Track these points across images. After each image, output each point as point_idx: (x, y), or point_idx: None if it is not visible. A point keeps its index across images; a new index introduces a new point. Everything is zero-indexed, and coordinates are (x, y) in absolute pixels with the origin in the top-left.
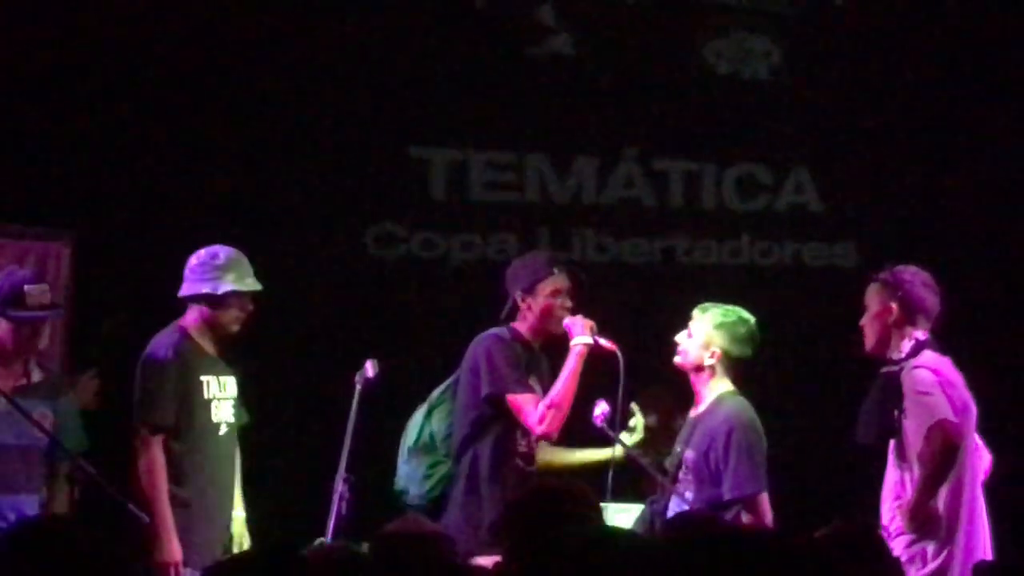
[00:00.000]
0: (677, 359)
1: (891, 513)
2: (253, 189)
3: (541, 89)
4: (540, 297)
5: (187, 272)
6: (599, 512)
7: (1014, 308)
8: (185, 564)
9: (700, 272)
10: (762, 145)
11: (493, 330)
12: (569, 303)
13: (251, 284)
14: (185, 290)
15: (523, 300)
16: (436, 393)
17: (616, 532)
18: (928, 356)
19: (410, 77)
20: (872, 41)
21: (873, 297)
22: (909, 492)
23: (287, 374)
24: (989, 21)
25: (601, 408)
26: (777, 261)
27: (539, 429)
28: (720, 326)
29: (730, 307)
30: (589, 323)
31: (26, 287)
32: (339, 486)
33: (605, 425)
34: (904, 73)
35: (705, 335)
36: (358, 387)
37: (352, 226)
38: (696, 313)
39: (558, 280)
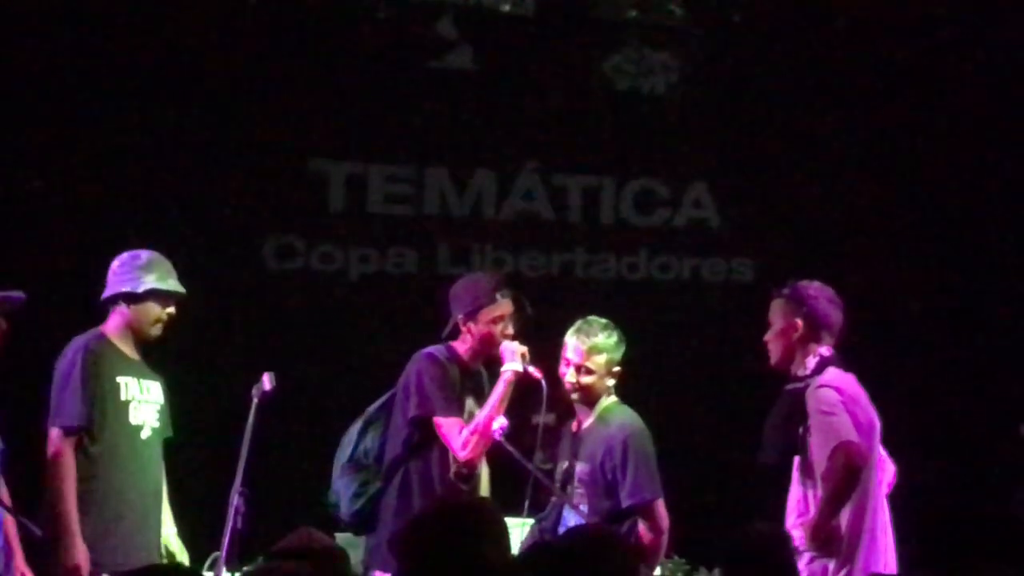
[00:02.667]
0: (575, 396)
1: (797, 531)
2: (150, 201)
3: (441, 102)
4: (481, 323)
5: (109, 275)
6: (502, 531)
7: (910, 320)
8: (101, 567)
9: (598, 287)
10: (661, 160)
11: (430, 348)
12: (510, 329)
13: (173, 285)
14: (106, 292)
15: (464, 323)
16: (372, 409)
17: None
18: (832, 373)
19: (309, 89)
20: (770, 56)
21: (777, 313)
22: (812, 510)
23: (184, 387)
24: (880, 33)
25: (499, 422)
26: (676, 276)
27: (462, 455)
28: (595, 347)
29: (585, 322)
30: (522, 349)
31: None
32: (235, 500)
33: (503, 440)
34: (801, 87)
35: (593, 361)
36: (255, 400)
37: (250, 239)
38: (569, 340)
39: (501, 306)
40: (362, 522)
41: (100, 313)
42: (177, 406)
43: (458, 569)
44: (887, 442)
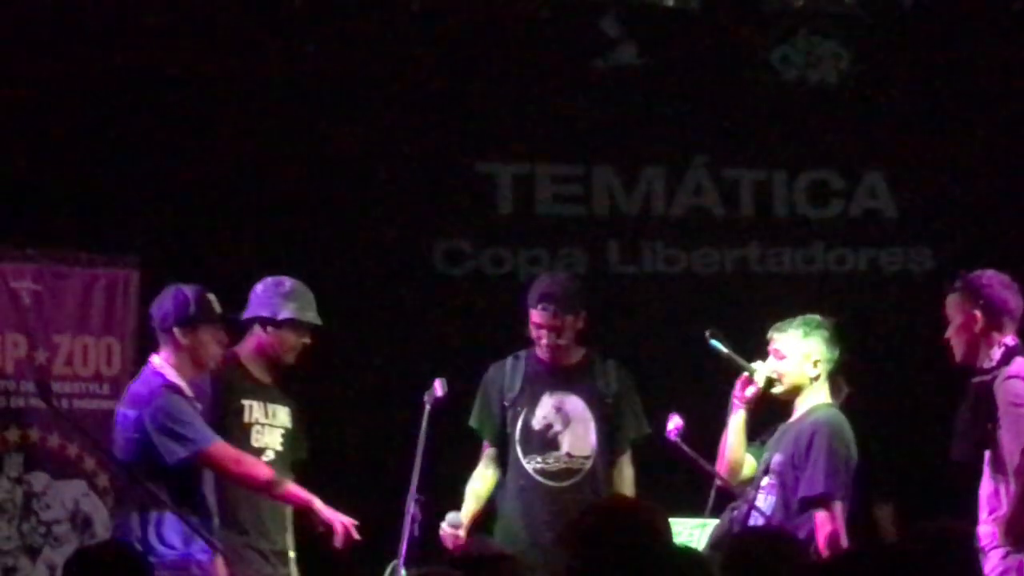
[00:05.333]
0: (777, 389)
1: (987, 526)
2: (319, 210)
3: (607, 100)
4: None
5: (251, 297)
6: (666, 531)
7: None
8: None
9: (773, 281)
10: (833, 150)
11: None
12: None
13: (311, 317)
14: (246, 313)
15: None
16: None
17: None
18: (1020, 363)
19: (476, 91)
20: (942, 41)
21: (954, 308)
22: (1005, 505)
23: (356, 395)
24: None
25: (675, 422)
26: (852, 268)
27: None
28: (809, 334)
29: (802, 316)
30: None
31: (208, 294)
32: (411, 507)
33: (679, 440)
34: (975, 71)
35: (800, 350)
36: (427, 406)
37: (419, 244)
38: (775, 335)
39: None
40: None
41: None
42: (352, 415)
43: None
44: None
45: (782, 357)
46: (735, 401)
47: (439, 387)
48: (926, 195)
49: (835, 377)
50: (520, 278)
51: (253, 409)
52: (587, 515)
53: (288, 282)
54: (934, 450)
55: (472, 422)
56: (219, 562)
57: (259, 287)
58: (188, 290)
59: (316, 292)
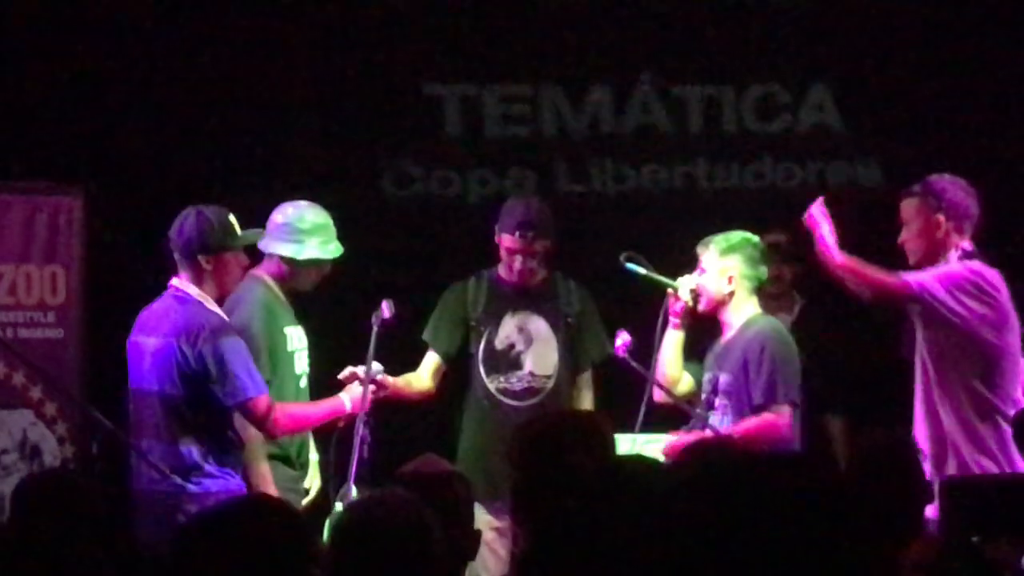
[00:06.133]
0: (701, 306)
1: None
2: (266, 134)
3: (552, 19)
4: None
5: (271, 226)
6: (611, 442)
7: None
8: None
9: (722, 196)
10: (780, 65)
11: None
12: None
13: (334, 251)
14: (266, 245)
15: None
16: None
17: (623, 461)
18: (978, 264)
19: (421, 13)
20: None
21: (913, 212)
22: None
23: (304, 318)
24: None
25: (623, 338)
26: (801, 182)
27: None
28: (728, 250)
29: (731, 232)
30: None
31: (231, 216)
32: (360, 430)
33: (628, 356)
34: None
35: (718, 266)
36: (375, 328)
37: (367, 167)
38: (700, 249)
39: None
40: None
41: None
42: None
43: (554, 476)
44: None
45: (703, 272)
46: (669, 318)
47: (386, 309)
48: (872, 109)
49: (788, 291)
50: (469, 200)
51: (292, 336)
52: (530, 427)
53: (309, 215)
54: (885, 363)
55: (425, 335)
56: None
57: (278, 216)
58: (211, 213)
59: (264, 217)
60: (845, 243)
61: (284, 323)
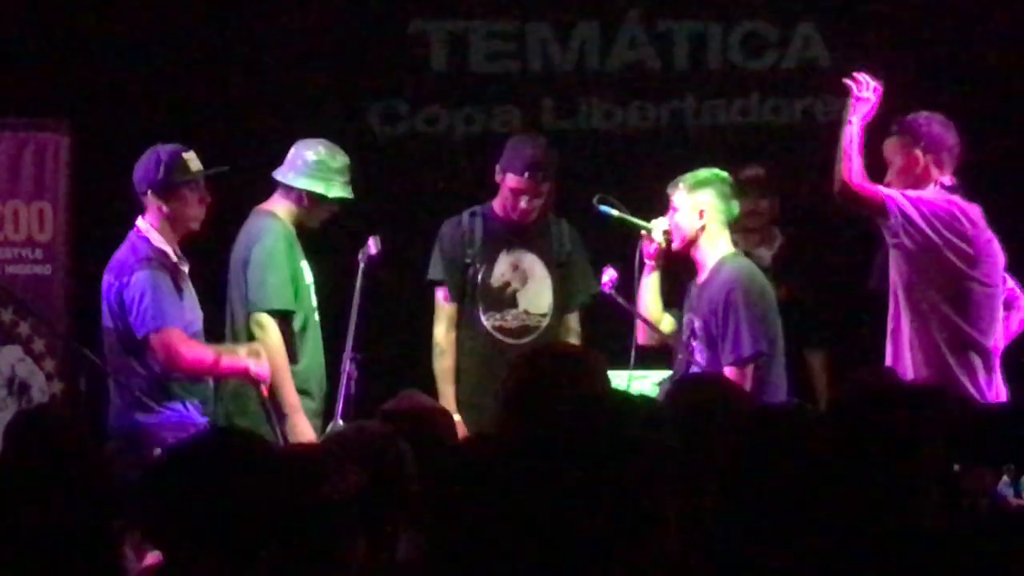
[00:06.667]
0: (674, 244)
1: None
2: (253, 72)
3: None
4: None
5: (299, 163)
6: (604, 378)
7: None
8: None
9: (709, 133)
10: (767, 1)
11: None
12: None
13: (350, 192)
14: (293, 180)
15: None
16: None
17: (612, 394)
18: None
19: None
20: None
21: (894, 151)
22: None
23: None
24: None
25: (609, 275)
26: (788, 119)
27: None
28: (697, 186)
29: (700, 169)
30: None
31: (183, 153)
32: (347, 366)
33: (614, 292)
34: None
35: (688, 202)
36: (361, 264)
37: (354, 104)
38: (670, 190)
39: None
40: None
41: None
42: None
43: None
44: None
45: (676, 211)
46: (644, 260)
47: (373, 245)
48: (860, 45)
49: (767, 225)
50: (456, 137)
51: (306, 270)
52: (521, 363)
53: (340, 155)
54: (866, 297)
55: (434, 275)
56: None
57: (311, 155)
58: (163, 151)
59: (251, 156)
60: (830, 180)
61: (300, 257)
